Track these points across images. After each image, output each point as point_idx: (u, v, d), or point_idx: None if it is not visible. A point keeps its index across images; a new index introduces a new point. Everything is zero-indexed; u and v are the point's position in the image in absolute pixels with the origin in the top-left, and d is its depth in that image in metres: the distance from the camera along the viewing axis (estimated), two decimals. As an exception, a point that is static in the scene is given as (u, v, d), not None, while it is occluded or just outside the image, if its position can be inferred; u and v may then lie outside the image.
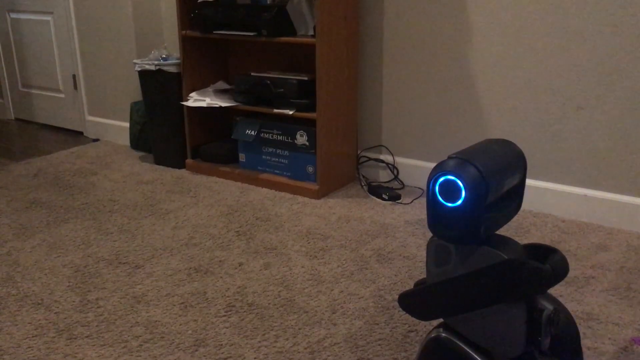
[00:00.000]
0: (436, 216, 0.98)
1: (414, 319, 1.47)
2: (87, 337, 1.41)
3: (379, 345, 1.37)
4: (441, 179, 0.95)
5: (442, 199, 0.95)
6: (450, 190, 0.94)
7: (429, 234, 1.97)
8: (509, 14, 2.08)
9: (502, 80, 2.15)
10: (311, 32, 2.27)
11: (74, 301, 1.57)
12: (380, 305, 1.54)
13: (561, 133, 2.08)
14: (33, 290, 1.63)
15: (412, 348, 1.36)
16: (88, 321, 1.48)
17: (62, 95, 3.35)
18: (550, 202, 2.14)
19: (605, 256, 1.81)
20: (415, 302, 1.07)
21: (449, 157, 0.95)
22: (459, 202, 0.93)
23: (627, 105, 1.94)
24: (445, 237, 0.97)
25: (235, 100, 2.44)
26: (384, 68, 2.41)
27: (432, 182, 0.97)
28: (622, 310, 1.51)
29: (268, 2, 2.29)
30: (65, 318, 1.49)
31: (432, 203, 0.97)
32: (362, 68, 2.46)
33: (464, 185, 0.92)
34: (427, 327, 1.43)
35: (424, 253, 1.84)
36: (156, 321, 1.48)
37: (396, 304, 1.54)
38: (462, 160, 0.93)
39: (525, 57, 2.09)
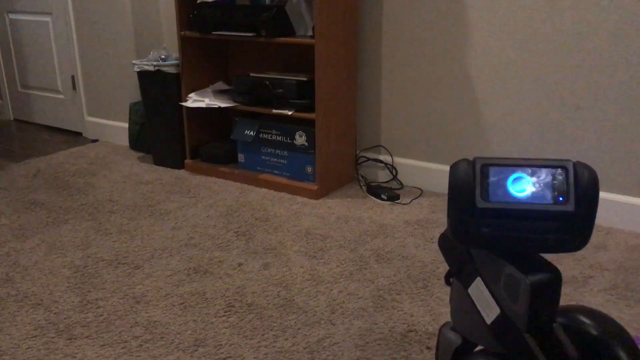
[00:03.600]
0: (448, 214, 0.99)
1: (413, 319, 1.48)
2: (86, 337, 1.41)
3: (378, 345, 1.37)
4: (450, 177, 0.96)
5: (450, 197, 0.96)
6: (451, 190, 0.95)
7: (428, 234, 1.98)
8: (508, 14, 2.08)
9: (500, 80, 2.16)
10: (310, 33, 2.27)
11: (73, 301, 1.57)
12: (379, 305, 1.54)
13: (559, 133, 2.08)
14: (32, 291, 1.63)
15: (411, 347, 1.36)
16: (88, 321, 1.48)
17: (61, 96, 3.35)
18: (549, 202, 2.14)
19: (604, 256, 1.81)
20: None
21: (466, 159, 0.96)
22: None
23: (625, 105, 1.94)
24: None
25: (234, 101, 2.45)
26: (383, 68, 2.41)
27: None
28: (621, 310, 1.51)
29: (267, 3, 2.29)
30: (65, 318, 1.49)
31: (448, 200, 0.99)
32: (361, 68, 2.47)
33: (449, 185, 0.92)
34: (426, 327, 1.44)
35: (423, 253, 1.84)
36: (156, 321, 1.48)
37: (395, 304, 1.54)
38: (466, 162, 0.93)
39: (524, 57, 2.09)
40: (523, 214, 0.92)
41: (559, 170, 0.94)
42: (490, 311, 0.96)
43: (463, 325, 1.04)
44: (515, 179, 0.93)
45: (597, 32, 1.94)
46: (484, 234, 0.92)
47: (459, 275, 1.03)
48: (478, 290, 0.97)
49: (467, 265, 1.00)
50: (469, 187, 0.91)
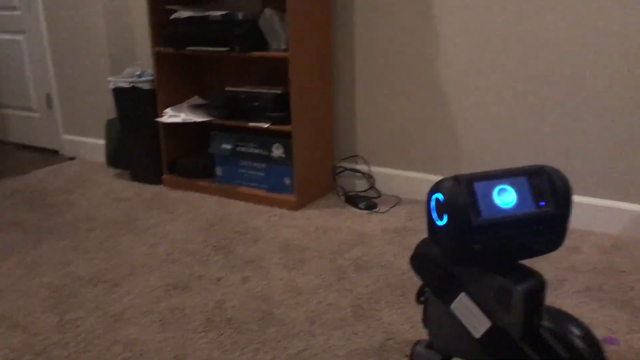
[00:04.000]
0: (432, 235, 0.98)
1: (391, 327, 1.49)
2: (65, 358, 1.41)
3: (358, 354, 1.39)
4: (434, 196, 0.96)
5: (436, 216, 0.96)
6: (439, 209, 0.94)
7: (406, 242, 2.00)
8: (477, 24, 2.12)
9: (471, 87, 2.19)
10: (284, 46, 2.29)
11: (51, 322, 1.56)
12: (358, 315, 1.55)
13: (531, 139, 2.12)
14: (9, 313, 1.62)
15: (391, 356, 1.37)
16: (66, 342, 1.47)
17: (36, 114, 3.33)
18: (524, 206, 2.17)
19: (578, 258, 1.85)
20: None
21: (450, 176, 0.96)
22: (444, 221, 0.93)
23: (594, 110, 1.99)
24: (442, 255, 0.97)
25: (211, 115, 2.46)
26: (357, 79, 2.44)
27: (428, 199, 0.98)
28: (595, 311, 1.54)
29: (240, 18, 2.31)
30: (42, 340, 1.48)
31: (428, 220, 0.98)
32: (335, 80, 2.49)
33: (445, 205, 0.92)
34: (404, 336, 1.45)
35: (401, 261, 1.86)
36: (135, 339, 1.48)
37: (374, 313, 1.56)
38: (454, 180, 0.94)
39: (493, 66, 2.13)
40: (513, 224, 0.94)
41: (535, 176, 0.98)
42: (479, 325, 0.96)
43: (444, 343, 1.05)
44: (500, 191, 0.95)
45: (564, 40, 1.98)
46: (477, 250, 0.93)
47: (438, 293, 1.03)
48: (463, 305, 0.98)
49: (448, 282, 1.00)
50: (465, 207, 0.92)
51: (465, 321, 0.98)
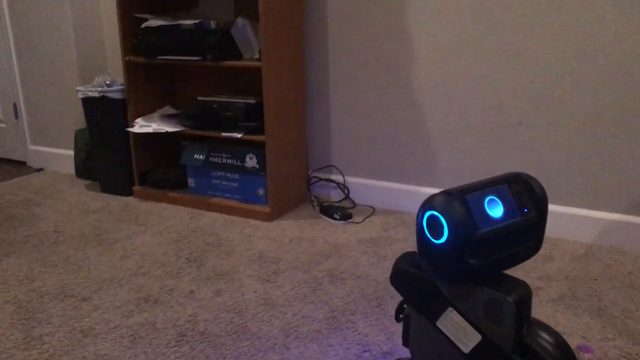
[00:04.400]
0: (425, 252, 0.94)
1: (367, 339, 1.47)
2: (30, 376, 1.36)
3: (333, 367, 1.36)
4: (427, 214, 0.91)
5: (430, 234, 0.92)
6: (435, 226, 0.90)
7: (381, 252, 1.98)
8: (449, 35, 2.14)
9: (444, 97, 2.20)
10: (257, 56, 2.28)
11: (16, 339, 1.51)
12: (333, 327, 1.53)
13: (503, 147, 2.14)
14: (-28, 330, 1.56)
15: (367, 368, 1.35)
16: (32, 359, 1.42)
17: (2, 125, 3.25)
18: (497, 215, 2.18)
19: (551, 267, 1.86)
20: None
21: (441, 192, 0.93)
22: (443, 239, 0.90)
23: (566, 120, 2.01)
24: (436, 274, 0.94)
25: (183, 125, 2.42)
26: (331, 89, 2.43)
27: (419, 217, 0.93)
28: (568, 319, 1.54)
29: (212, 27, 2.28)
30: (7, 357, 1.43)
31: (420, 239, 0.94)
32: (309, 90, 2.48)
33: (446, 222, 0.88)
34: (380, 347, 1.44)
35: (376, 271, 1.85)
36: (104, 355, 1.43)
37: (350, 324, 1.54)
38: (448, 195, 0.90)
39: (465, 77, 2.14)
40: (505, 234, 0.93)
41: (514, 184, 0.98)
42: (468, 340, 0.94)
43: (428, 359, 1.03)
44: (489, 202, 0.93)
45: (538, 50, 2.00)
46: (474, 266, 0.90)
47: (422, 310, 1.00)
48: (451, 321, 0.95)
49: (433, 298, 0.98)
50: (466, 222, 0.88)
51: (453, 337, 0.95)
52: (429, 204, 0.92)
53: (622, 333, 1.47)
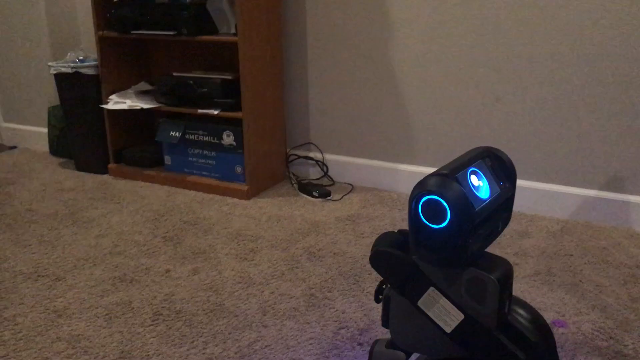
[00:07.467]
0: (420, 239, 0.89)
1: (344, 316, 1.47)
2: (3, 357, 1.33)
3: (310, 344, 1.36)
4: (424, 199, 0.86)
5: (426, 220, 0.87)
6: (434, 211, 0.86)
7: (359, 229, 1.98)
8: (428, 10, 2.11)
9: (423, 75, 2.19)
10: (233, 30, 2.24)
11: (-12, 320, 1.48)
12: (311, 304, 1.53)
13: (481, 124, 2.14)
14: (-57, 311, 1.53)
15: (343, 345, 1.36)
16: (4, 340, 1.40)
17: (-27, 102, 3.17)
18: (475, 192, 2.19)
19: (527, 242, 1.87)
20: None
21: (432, 174, 0.88)
22: (444, 223, 0.86)
23: (542, 96, 2.01)
24: (429, 260, 0.91)
25: (158, 102, 2.38)
26: (309, 66, 2.40)
27: (414, 201, 0.87)
28: (544, 294, 1.56)
29: (188, 0, 2.23)
30: (-22, 338, 1.41)
31: (415, 224, 0.88)
32: (287, 66, 2.45)
33: (449, 206, 0.84)
34: (357, 324, 1.44)
35: (354, 248, 1.84)
36: (79, 335, 1.41)
37: (327, 301, 1.54)
38: (445, 177, 0.86)
39: (444, 52, 2.13)
40: (492, 210, 0.92)
41: (488, 159, 0.97)
42: (450, 319, 0.93)
43: (409, 340, 1.01)
44: (474, 179, 0.92)
45: (515, 27, 1.99)
46: (472, 247, 0.87)
47: (403, 290, 0.99)
48: (432, 300, 0.94)
49: (414, 278, 0.96)
50: (468, 204, 0.85)
51: (435, 317, 0.94)
52: (424, 188, 0.87)
53: (595, 307, 1.49)
